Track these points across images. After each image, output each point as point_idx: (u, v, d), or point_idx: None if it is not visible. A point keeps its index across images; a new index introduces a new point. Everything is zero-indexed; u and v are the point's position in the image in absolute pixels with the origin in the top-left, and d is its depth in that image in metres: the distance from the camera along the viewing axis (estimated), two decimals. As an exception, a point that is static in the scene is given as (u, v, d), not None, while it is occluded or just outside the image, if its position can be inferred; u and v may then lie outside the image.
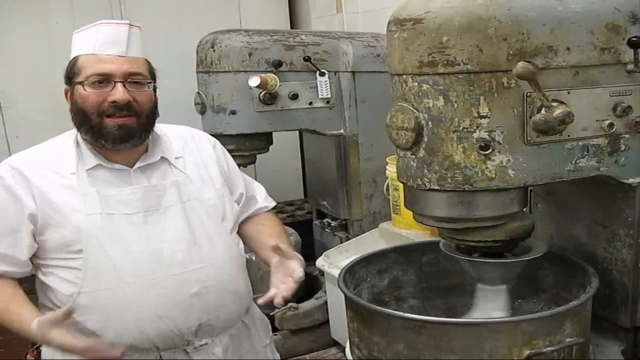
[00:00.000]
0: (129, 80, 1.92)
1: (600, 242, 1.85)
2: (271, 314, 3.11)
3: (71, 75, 1.96)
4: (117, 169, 1.98)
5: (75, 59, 1.96)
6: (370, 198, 3.44)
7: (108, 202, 1.93)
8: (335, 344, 3.20)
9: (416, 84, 1.56)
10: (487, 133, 1.52)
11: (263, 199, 2.42)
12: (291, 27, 4.88)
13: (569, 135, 1.56)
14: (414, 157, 1.61)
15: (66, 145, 2.00)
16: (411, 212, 1.75)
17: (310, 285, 3.67)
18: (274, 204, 2.47)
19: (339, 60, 3.28)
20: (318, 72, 3.17)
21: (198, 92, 3.20)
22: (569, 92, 1.54)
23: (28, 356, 2.76)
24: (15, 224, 1.91)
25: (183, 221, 2.00)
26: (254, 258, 3.23)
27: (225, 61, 3.08)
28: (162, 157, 2.06)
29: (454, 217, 1.62)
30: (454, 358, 1.55)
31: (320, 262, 2.99)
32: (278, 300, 1.95)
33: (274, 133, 3.31)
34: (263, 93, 3.06)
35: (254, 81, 2.96)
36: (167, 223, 1.98)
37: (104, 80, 1.90)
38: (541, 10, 1.49)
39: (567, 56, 1.52)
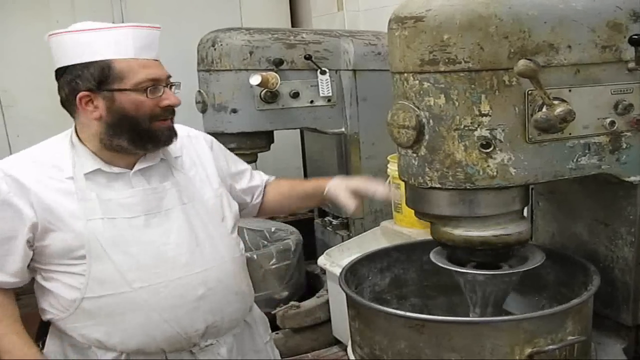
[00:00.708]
0: (169, 83, 1.92)
1: (602, 240, 1.84)
2: (272, 312, 3.12)
3: (107, 81, 1.84)
4: (116, 172, 1.93)
5: (107, 63, 1.83)
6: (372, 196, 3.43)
7: (108, 207, 1.89)
8: (337, 342, 3.19)
9: (417, 82, 1.55)
10: (488, 131, 1.51)
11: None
12: (292, 26, 4.88)
13: (570, 134, 1.56)
14: (415, 155, 1.61)
15: (60, 149, 1.94)
16: (412, 211, 1.75)
17: (311, 283, 3.67)
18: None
19: (340, 59, 3.28)
20: (319, 70, 3.17)
21: (199, 91, 3.20)
22: (570, 90, 1.53)
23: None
24: (11, 234, 1.86)
25: (185, 223, 1.97)
26: (255, 257, 3.24)
27: (226, 60, 3.08)
28: (161, 159, 2.02)
29: (455, 216, 1.62)
30: (455, 357, 1.54)
31: (321, 261, 2.99)
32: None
33: (275, 132, 3.31)
34: (264, 91, 3.06)
35: (255, 80, 2.96)
36: (169, 225, 1.95)
37: (154, 85, 1.86)
38: (542, 9, 1.49)
39: (569, 54, 1.52)
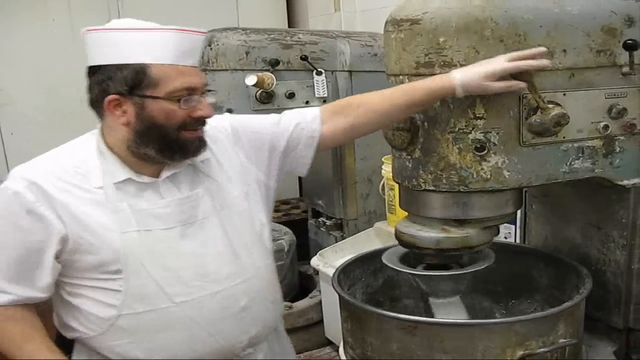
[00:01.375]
0: (205, 93, 1.79)
1: (595, 244, 1.85)
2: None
3: (139, 86, 1.70)
4: (146, 182, 1.79)
5: (143, 67, 1.69)
6: (366, 197, 3.44)
7: (142, 218, 1.76)
8: (329, 343, 3.20)
9: (412, 84, 1.56)
10: (482, 134, 1.52)
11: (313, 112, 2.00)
12: (289, 26, 4.88)
13: (564, 137, 1.57)
14: (409, 157, 1.62)
15: (86, 155, 1.78)
16: (406, 212, 1.75)
17: (304, 284, 3.67)
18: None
19: (336, 60, 3.28)
20: (315, 71, 3.17)
21: (195, 90, 3.20)
22: (564, 94, 1.54)
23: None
24: (39, 246, 1.70)
25: (220, 232, 1.85)
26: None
27: (222, 59, 3.07)
28: (188, 164, 1.86)
29: (449, 218, 1.63)
30: (447, 358, 1.55)
31: (315, 262, 2.99)
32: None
33: (270, 132, 3.30)
34: (260, 92, 3.06)
35: (251, 80, 2.96)
36: (206, 235, 1.83)
37: (189, 94, 1.73)
38: (538, 13, 1.50)
39: (563, 58, 1.53)
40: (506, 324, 1.60)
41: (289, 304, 3.24)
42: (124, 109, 1.72)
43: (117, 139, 1.77)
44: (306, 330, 3.26)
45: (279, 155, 1.97)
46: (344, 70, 3.27)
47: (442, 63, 1.50)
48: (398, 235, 1.75)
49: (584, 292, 1.66)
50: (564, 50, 1.53)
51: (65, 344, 1.86)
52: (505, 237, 2.43)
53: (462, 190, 1.57)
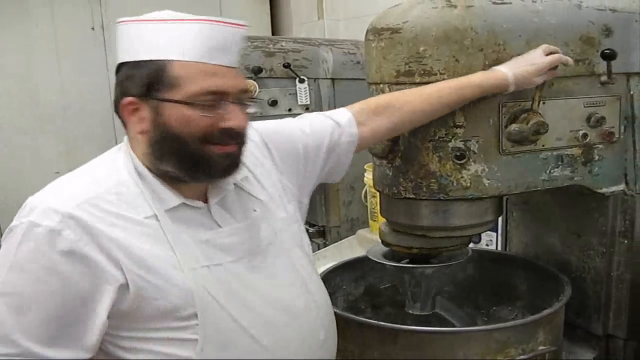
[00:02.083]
0: (240, 99, 1.46)
1: (574, 251, 1.87)
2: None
3: (156, 87, 1.41)
4: (197, 207, 1.49)
5: (162, 64, 1.40)
6: (348, 205, 3.44)
7: (207, 251, 1.46)
8: (312, 350, 3.19)
9: (393, 93, 1.57)
10: (462, 142, 1.53)
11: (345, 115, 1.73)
12: (273, 33, 4.88)
13: (543, 145, 1.58)
14: (390, 165, 1.62)
15: (120, 177, 1.45)
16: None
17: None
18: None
19: (319, 67, 3.28)
20: (298, 78, 3.17)
21: (177, 98, 3.18)
22: (544, 103, 1.55)
23: None
24: (85, 296, 1.34)
25: (285, 259, 1.60)
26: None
27: (205, 67, 3.07)
28: (234, 184, 1.58)
29: (429, 226, 1.63)
30: (428, 366, 1.56)
31: (297, 269, 2.98)
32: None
33: (252, 139, 3.30)
34: (242, 99, 3.06)
35: (234, 87, 2.95)
36: (272, 265, 1.57)
37: (214, 99, 1.42)
38: (517, 22, 1.51)
39: (542, 67, 1.54)
40: (486, 332, 1.61)
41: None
42: (141, 115, 1.43)
43: (140, 153, 1.47)
44: (289, 338, 3.25)
45: (316, 167, 1.72)
46: (326, 78, 3.27)
47: (422, 72, 1.51)
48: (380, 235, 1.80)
49: (563, 299, 1.68)
50: (543, 60, 1.54)
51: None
52: (487, 245, 2.44)
53: (442, 198, 1.58)
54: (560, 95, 1.59)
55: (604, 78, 1.60)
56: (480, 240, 2.40)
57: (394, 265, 1.76)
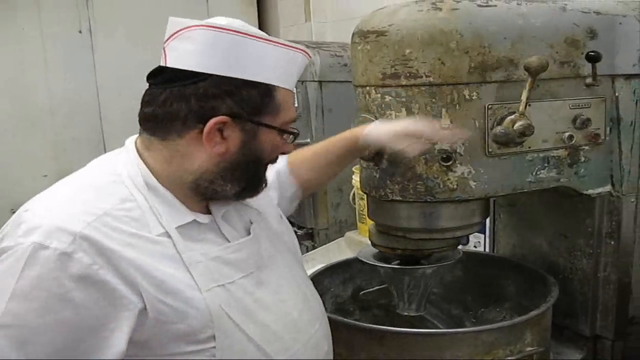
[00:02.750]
0: None
1: (562, 252, 1.87)
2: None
3: (262, 111, 1.37)
4: (206, 222, 1.44)
5: (271, 89, 1.37)
6: (337, 207, 3.44)
7: (219, 268, 1.39)
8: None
9: (379, 95, 1.57)
10: (448, 145, 1.53)
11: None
12: (260, 36, 4.88)
13: (529, 147, 1.59)
14: (376, 168, 1.62)
15: (129, 192, 1.34)
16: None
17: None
18: None
19: (306, 70, 3.27)
20: (285, 81, 3.17)
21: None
22: (529, 105, 1.55)
23: None
24: (97, 326, 1.23)
25: (285, 271, 1.56)
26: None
27: (193, 70, 3.06)
28: None
29: (416, 228, 1.63)
30: (415, 368, 1.56)
31: (286, 271, 2.98)
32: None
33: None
34: (230, 102, 3.04)
35: (221, 90, 2.94)
36: (276, 278, 1.52)
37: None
38: (502, 24, 1.51)
39: (528, 69, 1.55)
40: (473, 333, 1.62)
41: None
42: (225, 135, 1.35)
43: (183, 169, 1.38)
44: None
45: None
46: (314, 81, 3.27)
47: (408, 74, 1.51)
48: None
49: (550, 300, 1.68)
50: (529, 62, 1.55)
51: None
52: (475, 246, 2.44)
53: (429, 200, 1.58)
54: (546, 97, 1.59)
55: (589, 80, 1.60)
56: (468, 242, 2.41)
57: (384, 267, 1.76)
